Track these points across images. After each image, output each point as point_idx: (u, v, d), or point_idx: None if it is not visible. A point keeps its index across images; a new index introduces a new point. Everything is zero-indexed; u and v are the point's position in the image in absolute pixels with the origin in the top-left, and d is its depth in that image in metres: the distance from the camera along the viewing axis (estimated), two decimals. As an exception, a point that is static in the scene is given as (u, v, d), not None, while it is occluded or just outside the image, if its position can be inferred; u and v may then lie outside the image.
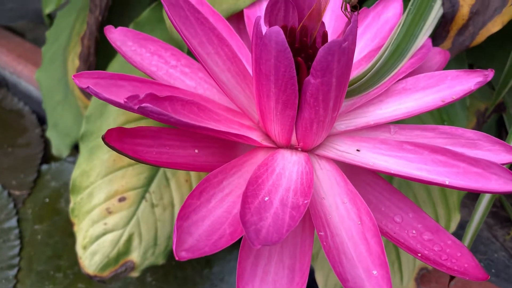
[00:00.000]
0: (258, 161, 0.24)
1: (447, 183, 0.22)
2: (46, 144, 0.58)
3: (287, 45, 0.19)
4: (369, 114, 0.27)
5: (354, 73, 0.28)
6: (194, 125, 0.20)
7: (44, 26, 0.70)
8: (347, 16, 0.22)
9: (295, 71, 0.20)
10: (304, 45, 0.23)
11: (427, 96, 0.27)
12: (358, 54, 0.29)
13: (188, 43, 0.23)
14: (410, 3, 0.31)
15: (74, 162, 0.55)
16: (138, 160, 0.21)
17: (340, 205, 0.23)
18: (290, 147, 0.25)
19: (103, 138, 0.20)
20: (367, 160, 0.24)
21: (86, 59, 0.40)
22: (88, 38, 0.40)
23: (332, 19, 0.30)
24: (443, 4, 0.32)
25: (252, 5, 0.31)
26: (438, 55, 0.31)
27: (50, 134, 0.50)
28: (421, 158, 0.23)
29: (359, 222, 0.22)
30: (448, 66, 0.32)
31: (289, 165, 0.24)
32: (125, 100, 0.18)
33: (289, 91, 0.22)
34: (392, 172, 0.23)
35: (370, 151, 0.25)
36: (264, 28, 0.21)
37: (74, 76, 0.22)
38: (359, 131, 0.27)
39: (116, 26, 0.28)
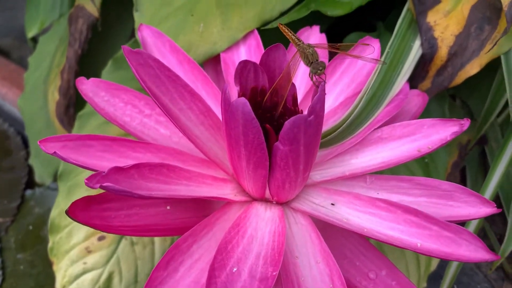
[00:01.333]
0: (231, 218, 0.24)
1: (419, 245, 0.22)
2: (30, 168, 0.57)
3: (253, 115, 0.19)
4: (345, 163, 0.27)
5: (330, 122, 0.28)
6: (159, 196, 0.20)
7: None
8: (314, 84, 0.21)
9: (263, 138, 0.20)
10: (275, 104, 0.23)
11: (403, 146, 0.27)
12: (334, 101, 0.29)
13: (157, 101, 0.23)
14: (388, 46, 0.31)
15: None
16: (105, 231, 0.20)
17: (313, 265, 0.23)
18: (265, 199, 0.25)
19: (67, 212, 0.19)
20: (341, 216, 0.24)
21: (66, 93, 0.40)
22: (68, 72, 0.40)
23: (305, 75, 0.30)
24: (422, 45, 0.32)
25: (229, 49, 0.31)
26: (417, 97, 0.31)
27: (33, 161, 0.49)
28: (394, 217, 0.23)
29: (331, 285, 0.22)
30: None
31: (262, 224, 0.23)
32: (86, 180, 0.18)
33: (259, 154, 0.21)
34: (365, 231, 0.23)
35: (344, 206, 0.25)
36: (233, 95, 0.21)
37: (39, 142, 0.21)
38: (335, 181, 0.27)
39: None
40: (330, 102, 0.29)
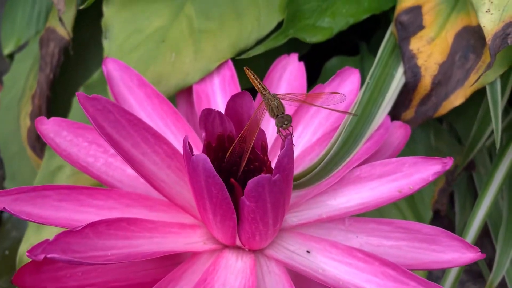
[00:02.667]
0: (199, 270, 0.23)
1: (396, 302, 0.20)
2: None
3: (214, 172, 0.18)
4: (322, 205, 0.26)
5: (307, 160, 0.26)
6: (116, 258, 0.18)
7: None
8: (281, 137, 0.20)
9: (227, 193, 0.19)
10: (244, 151, 0.21)
11: (383, 186, 0.26)
12: (311, 136, 0.28)
13: (117, 147, 0.22)
14: (368, 76, 0.29)
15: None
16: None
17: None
18: (236, 247, 0.24)
19: (12, 282, 0.18)
20: (316, 266, 0.23)
21: (37, 119, 0.38)
22: (39, 98, 0.38)
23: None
24: (405, 73, 0.30)
25: (202, 80, 0.29)
26: (399, 129, 0.29)
27: (8, 185, 0.47)
28: (371, 269, 0.22)
29: None
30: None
31: (231, 278, 0.22)
32: (27, 253, 0.16)
33: (225, 207, 0.20)
34: (341, 283, 0.22)
35: (320, 254, 0.23)
36: (197, 150, 0.19)
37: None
38: (312, 224, 0.25)
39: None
40: (307, 137, 0.28)
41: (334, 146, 0.25)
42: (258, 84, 0.23)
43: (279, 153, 0.20)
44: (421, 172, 0.26)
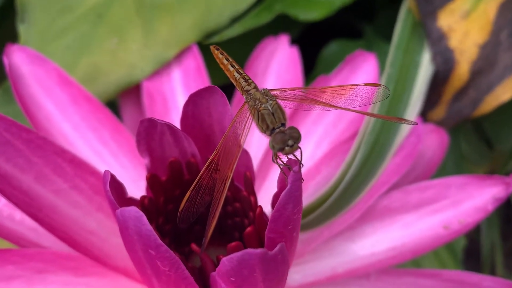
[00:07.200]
0: None
1: None
2: None
3: (157, 239, 0.10)
4: (337, 252, 0.17)
5: (311, 186, 0.18)
6: None
7: None
8: (281, 168, 0.12)
9: (185, 271, 0.11)
10: (216, 188, 0.13)
11: (422, 220, 0.18)
12: (314, 149, 0.19)
13: (6, 185, 0.13)
14: (387, 64, 0.21)
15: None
16: None
17: None
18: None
19: None
20: None
21: None
22: None
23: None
24: (433, 59, 0.23)
25: (155, 74, 0.21)
26: (431, 135, 0.21)
27: None
28: None
29: None
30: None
31: None
32: None
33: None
34: None
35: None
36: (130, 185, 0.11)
37: None
38: (323, 283, 0.17)
39: None
40: (309, 152, 0.19)
41: (351, 166, 0.17)
42: (236, 74, 0.14)
43: (273, 186, 0.12)
44: (474, 198, 0.18)
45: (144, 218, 0.10)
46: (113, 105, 0.21)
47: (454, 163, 0.27)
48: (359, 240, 0.18)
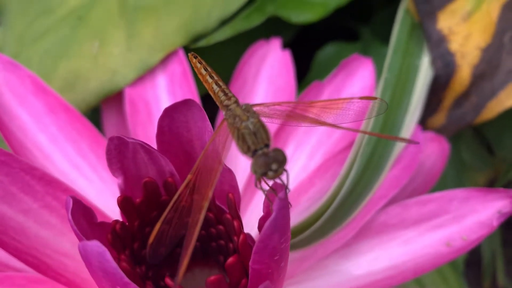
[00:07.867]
0: None
1: None
2: None
3: (124, 277, 0.08)
4: (331, 272, 0.16)
5: (303, 202, 0.17)
6: None
7: None
8: (264, 194, 0.10)
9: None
10: (194, 211, 0.12)
11: (423, 236, 0.17)
12: (307, 161, 0.18)
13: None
14: (385, 68, 0.20)
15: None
16: None
17: None
18: None
19: None
20: None
21: None
22: None
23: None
24: (432, 63, 0.22)
25: (138, 81, 0.19)
26: (431, 144, 0.20)
27: None
28: None
29: None
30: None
31: None
32: None
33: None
34: None
35: None
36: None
37: None
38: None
39: None
40: (301, 163, 0.18)
41: (347, 179, 0.16)
42: (214, 86, 0.13)
43: (259, 211, 0.11)
44: (477, 213, 0.17)
45: (107, 254, 0.08)
46: (93, 115, 0.20)
47: (454, 170, 0.26)
48: (355, 259, 0.16)
